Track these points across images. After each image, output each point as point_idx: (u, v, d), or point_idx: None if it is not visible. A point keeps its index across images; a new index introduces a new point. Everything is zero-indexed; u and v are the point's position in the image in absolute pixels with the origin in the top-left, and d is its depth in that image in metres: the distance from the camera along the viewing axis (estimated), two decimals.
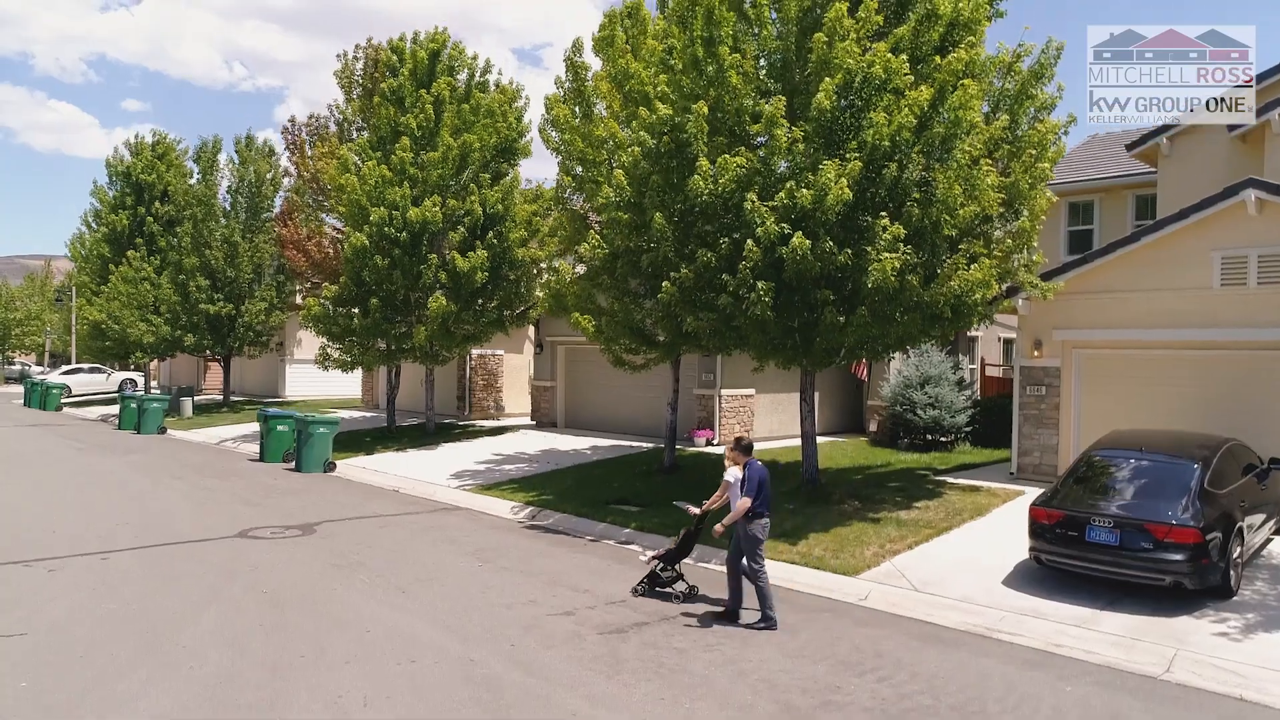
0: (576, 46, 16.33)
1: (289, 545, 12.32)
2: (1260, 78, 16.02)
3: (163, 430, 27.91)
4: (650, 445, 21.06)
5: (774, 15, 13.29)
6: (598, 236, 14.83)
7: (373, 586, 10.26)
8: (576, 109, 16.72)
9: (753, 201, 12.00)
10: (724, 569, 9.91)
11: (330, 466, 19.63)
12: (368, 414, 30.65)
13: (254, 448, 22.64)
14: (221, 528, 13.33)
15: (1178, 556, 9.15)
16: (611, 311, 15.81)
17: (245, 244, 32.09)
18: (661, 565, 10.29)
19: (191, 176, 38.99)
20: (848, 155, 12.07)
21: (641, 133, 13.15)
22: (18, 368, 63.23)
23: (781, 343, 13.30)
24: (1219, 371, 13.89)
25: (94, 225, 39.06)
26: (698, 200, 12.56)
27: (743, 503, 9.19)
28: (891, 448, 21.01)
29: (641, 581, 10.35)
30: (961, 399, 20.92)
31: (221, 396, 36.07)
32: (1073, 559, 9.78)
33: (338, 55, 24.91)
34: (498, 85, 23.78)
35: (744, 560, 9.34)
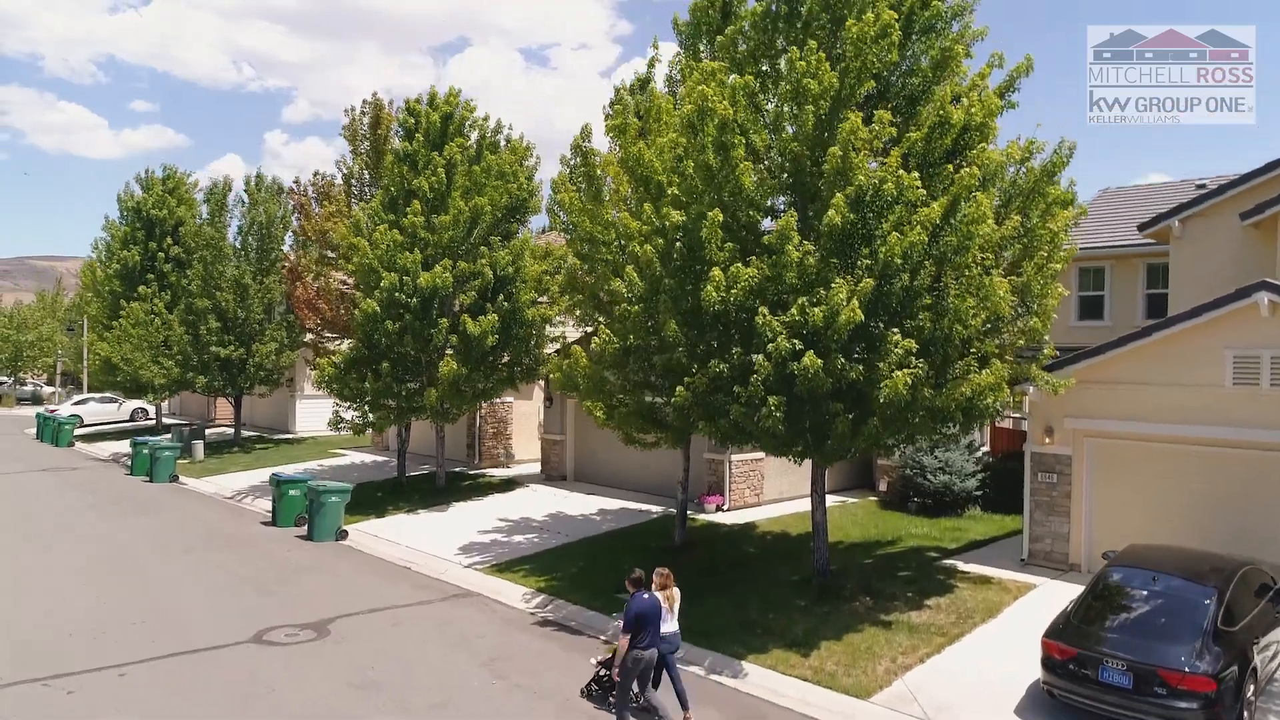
0: (585, 133, 16.43)
1: (305, 654, 12.40)
2: (1272, 166, 15.96)
3: (174, 478, 28.06)
4: (659, 509, 21.11)
5: (792, 111, 13.26)
6: (608, 331, 14.89)
7: (386, 715, 10.34)
8: (584, 185, 16.78)
9: (764, 316, 12.05)
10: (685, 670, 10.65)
11: (342, 535, 19.73)
12: (378, 457, 30.78)
13: (266, 504, 22.75)
14: (236, 628, 13.40)
15: (1191, 705, 9.16)
16: (624, 394, 15.85)
17: (255, 285, 32.28)
18: (604, 672, 10.82)
19: (201, 211, 39.39)
20: (859, 265, 12.12)
21: (656, 237, 13.22)
22: (29, 388, 63.59)
23: (793, 442, 13.34)
24: (1231, 469, 13.88)
25: (105, 260, 39.28)
26: (710, 309, 12.61)
27: (622, 643, 9.73)
28: (901, 510, 21.03)
29: (589, 684, 10.97)
30: (971, 463, 20.93)
31: (233, 433, 36.23)
32: (1086, 698, 9.80)
33: (345, 110, 25.13)
34: (508, 142, 23.88)
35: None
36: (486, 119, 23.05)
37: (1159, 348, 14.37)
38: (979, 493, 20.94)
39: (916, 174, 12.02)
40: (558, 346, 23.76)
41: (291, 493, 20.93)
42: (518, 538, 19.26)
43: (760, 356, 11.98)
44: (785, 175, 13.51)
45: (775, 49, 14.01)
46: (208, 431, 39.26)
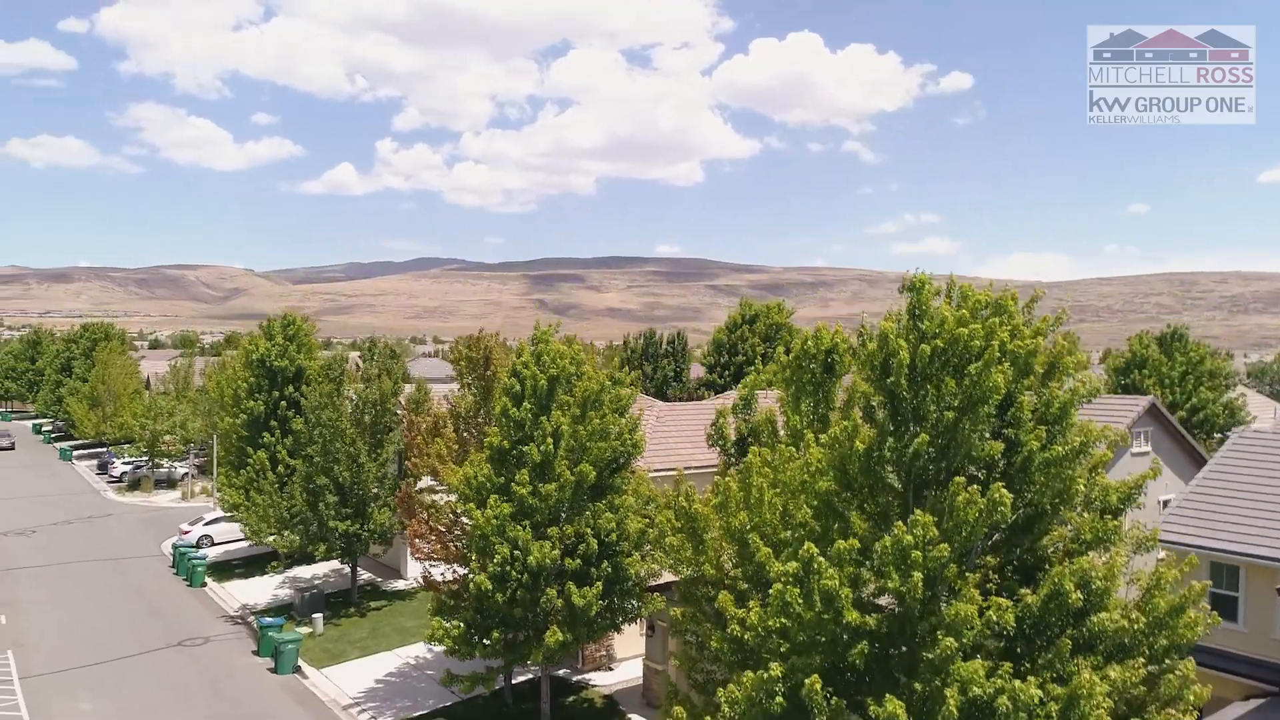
0: (688, 496, 16.56)
1: None
2: None
3: (297, 669, 29.50)
4: None
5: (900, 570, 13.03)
6: None
7: None
8: (688, 537, 16.96)
9: None
10: None
11: None
12: None
13: None
14: None
15: None
16: None
17: (370, 461, 33.64)
18: None
19: (317, 353, 41.66)
20: None
21: (753, 693, 13.22)
22: (165, 470, 67.58)
23: None
24: None
25: (233, 407, 41.61)
26: None
27: None
28: None
29: None
30: None
31: (349, 582, 37.66)
32: None
33: (451, 346, 25.94)
34: (614, 382, 24.17)
35: None
36: (592, 379, 23.37)
37: None
38: None
39: (1035, 687, 11.64)
40: (658, 581, 24.09)
41: None
42: None
43: None
44: (894, 612, 13.31)
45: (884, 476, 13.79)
46: (320, 571, 41.13)
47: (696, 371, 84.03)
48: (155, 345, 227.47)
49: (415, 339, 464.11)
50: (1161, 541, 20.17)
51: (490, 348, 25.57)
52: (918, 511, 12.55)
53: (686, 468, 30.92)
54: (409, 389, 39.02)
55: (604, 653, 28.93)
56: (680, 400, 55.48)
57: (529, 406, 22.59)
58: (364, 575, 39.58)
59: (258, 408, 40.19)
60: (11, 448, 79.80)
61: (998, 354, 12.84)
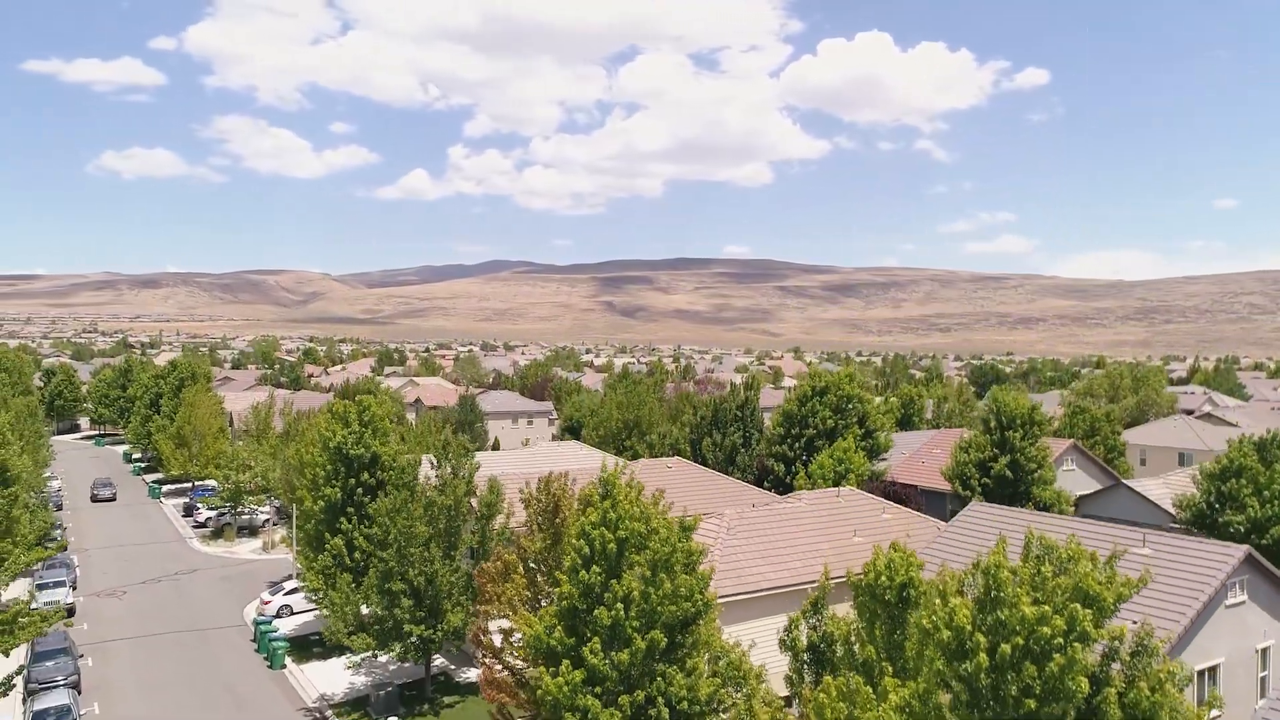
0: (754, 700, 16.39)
1: None
2: None
3: None
4: None
5: None
6: None
7: None
8: None
9: None
10: None
11: None
12: None
13: None
14: None
15: None
16: None
17: (445, 568, 34.19)
18: None
19: (392, 439, 42.65)
20: None
21: None
22: (246, 518, 69.73)
23: None
24: None
25: (312, 492, 42.74)
26: None
27: None
28: None
29: None
30: None
31: (424, 670, 38.34)
32: None
33: (520, 490, 26.15)
34: (685, 529, 24.08)
35: None
36: (660, 538, 23.29)
37: None
38: None
39: None
40: None
41: None
42: None
43: None
44: None
45: None
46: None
47: (770, 400, 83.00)
48: (238, 364, 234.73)
49: (487, 344, 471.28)
50: None
51: (558, 495, 25.72)
52: None
53: (758, 590, 30.95)
54: (482, 481, 39.45)
55: None
56: (748, 466, 55.04)
57: (599, 570, 22.64)
58: (437, 660, 40.23)
59: (334, 495, 41.15)
60: (113, 499, 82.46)
61: (1079, 654, 12.40)
